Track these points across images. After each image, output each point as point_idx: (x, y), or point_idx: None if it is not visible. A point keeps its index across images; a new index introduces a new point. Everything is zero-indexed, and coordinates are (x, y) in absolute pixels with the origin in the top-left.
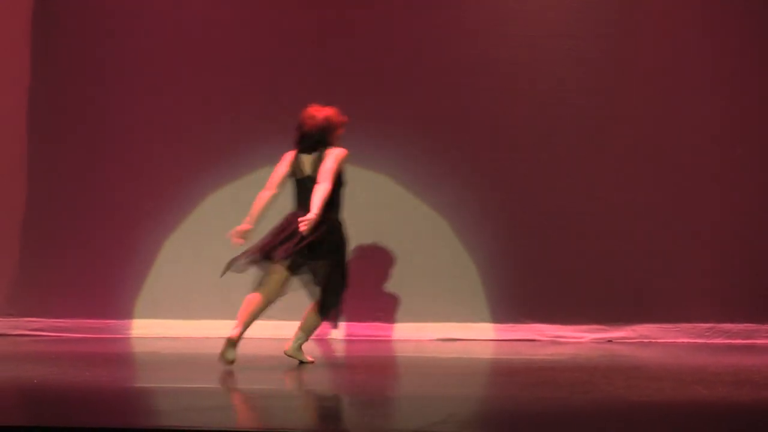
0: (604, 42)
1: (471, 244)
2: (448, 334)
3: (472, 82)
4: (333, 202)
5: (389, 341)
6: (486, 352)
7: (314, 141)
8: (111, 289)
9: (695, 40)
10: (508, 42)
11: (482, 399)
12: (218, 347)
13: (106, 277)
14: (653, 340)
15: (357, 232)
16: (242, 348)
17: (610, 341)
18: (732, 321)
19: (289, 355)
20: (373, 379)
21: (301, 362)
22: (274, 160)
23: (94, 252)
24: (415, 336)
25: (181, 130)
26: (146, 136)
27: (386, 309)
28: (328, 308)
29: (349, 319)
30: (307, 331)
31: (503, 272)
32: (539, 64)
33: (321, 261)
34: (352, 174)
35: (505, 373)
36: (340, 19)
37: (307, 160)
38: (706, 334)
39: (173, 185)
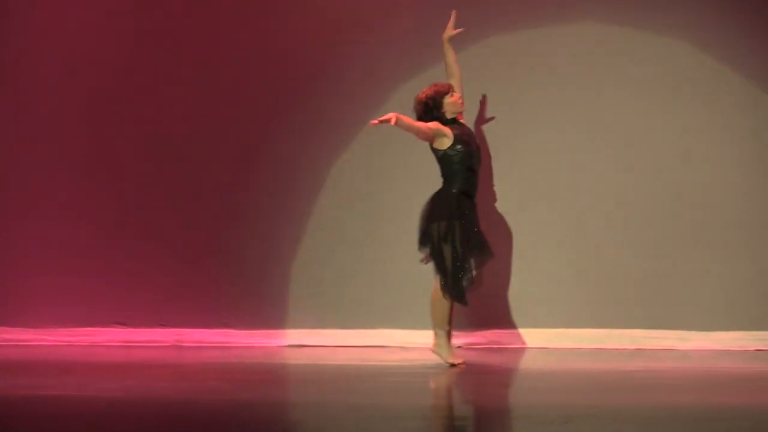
0: None
1: (322, 251)
2: (297, 340)
3: None
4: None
5: (241, 348)
6: (336, 358)
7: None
8: None
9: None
10: None
11: (332, 405)
12: None
13: None
14: (503, 346)
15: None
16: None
17: (459, 347)
18: (582, 326)
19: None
20: (225, 385)
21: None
22: None
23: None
24: (264, 343)
25: None
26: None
27: (235, 316)
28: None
29: (196, 326)
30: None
31: (351, 278)
32: None
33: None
34: None
35: (354, 379)
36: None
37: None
38: (557, 339)
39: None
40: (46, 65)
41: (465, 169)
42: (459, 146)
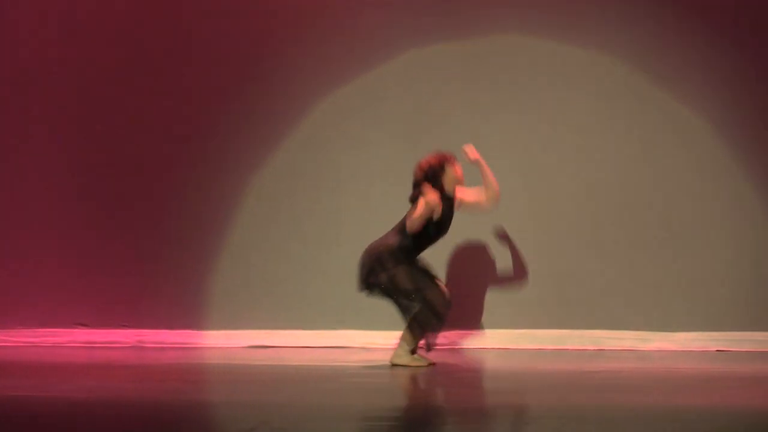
0: None
1: (283, 251)
2: (258, 341)
3: None
4: (408, 248)
5: (203, 348)
6: (297, 359)
7: (415, 190)
8: None
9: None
10: None
11: (294, 406)
12: None
13: None
14: (465, 347)
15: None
16: None
17: (420, 347)
18: (544, 327)
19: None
20: (187, 386)
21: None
22: None
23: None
24: (225, 343)
25: None
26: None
27: (196, 316)
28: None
29: (158, 327)
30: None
31: (312, 279)
32: None
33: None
34: None
35: (315, 379)
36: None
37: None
38: (519, 340)
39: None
40: None
41: (430, 237)
42: (437, 220)
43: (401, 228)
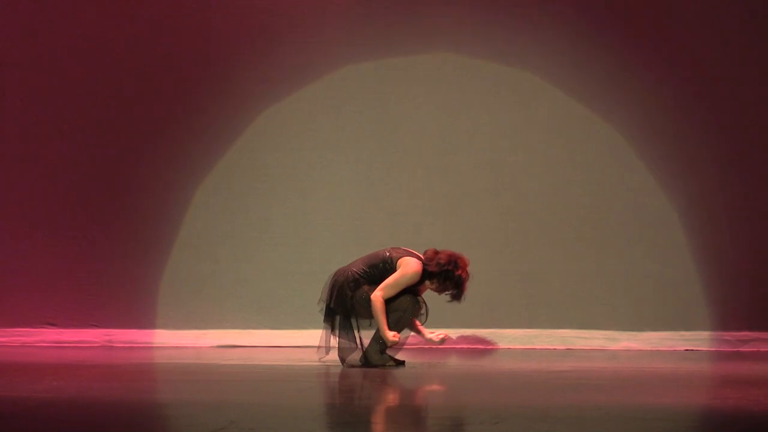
0: None
1: (251, 251)
2: (227, 340)
3: None
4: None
5: (172, 348)
6: (266, 359)
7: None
8: None
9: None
10: None
11: (262, 405)
12: None
13: None
14: (434, 346)
15: None
16: None
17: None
18: (513, 327)
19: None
20: (156, 386)
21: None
22: None
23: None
24: (193, 343)
25: None
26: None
27: (165, 315)
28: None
29: (127, 326)
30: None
31: (281, 279)
32: None
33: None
34: None
35: (284, 379)
36: None
37: None
38: (488, 338)
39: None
40: None
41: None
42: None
43: (371, 265)
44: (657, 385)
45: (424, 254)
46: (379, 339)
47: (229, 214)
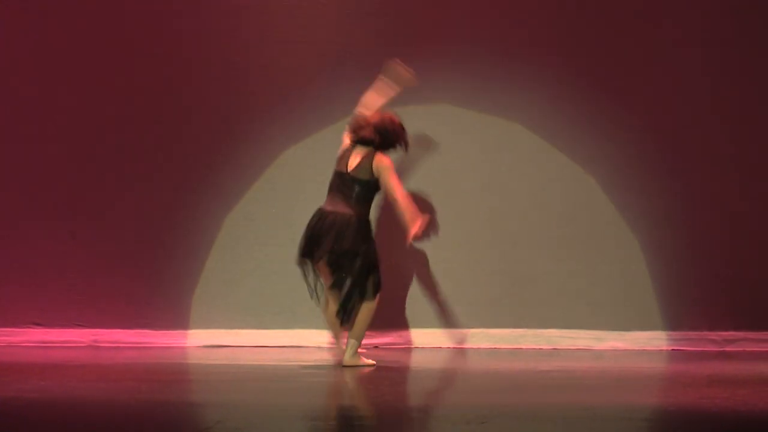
0: None
1: (238, 251)
2: (214, 340)
3: None
4: (368, 204)
5: (158, 348)
6: (253, 359)
7: (369, 140)
8: None
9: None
10: None
11: (249, 405)
12: None
13: None
14: (420, 346)
15: None
16: None
17: (376, 347)
18: (499, 327)
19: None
20: (142, 386)
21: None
22: None
23: None
24: (180, 343)
25: None
26: None
27: (153, 316)
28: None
29: (113, 326)
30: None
31: (268, 278)
32: None
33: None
34: None
35: (270, 379)
36: None
37: (354, 155)
38: (474, 339)
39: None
40: None
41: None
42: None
43: (360, 198)
44: (644, 385)
45: (356, 135)
46: (357, 338)
47: (216, 214)
